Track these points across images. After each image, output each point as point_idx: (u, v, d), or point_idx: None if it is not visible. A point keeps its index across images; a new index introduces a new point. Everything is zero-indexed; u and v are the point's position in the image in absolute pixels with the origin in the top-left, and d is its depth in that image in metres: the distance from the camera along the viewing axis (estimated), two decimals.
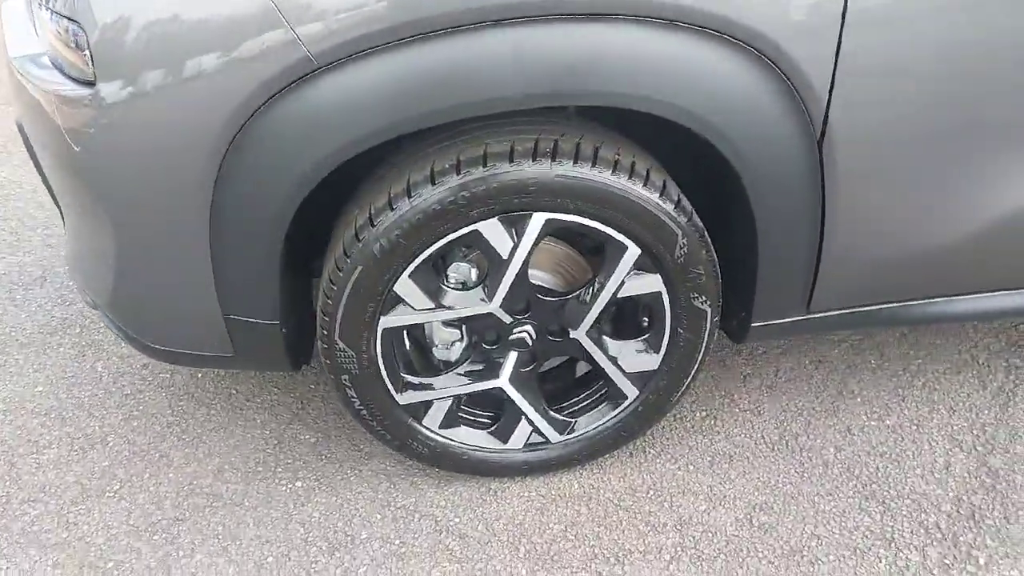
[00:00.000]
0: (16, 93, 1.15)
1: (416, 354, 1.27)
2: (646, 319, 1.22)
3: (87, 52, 0.94)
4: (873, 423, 1.41)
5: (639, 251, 1.09)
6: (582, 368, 1.33)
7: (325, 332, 1.12)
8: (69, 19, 0.95)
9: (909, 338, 1.60)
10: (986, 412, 1.41)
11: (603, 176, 1.01)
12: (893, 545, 1.18)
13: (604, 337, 1.21)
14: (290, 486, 1.35)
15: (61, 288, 1.86)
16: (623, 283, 1.12)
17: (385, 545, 1.24)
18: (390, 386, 1.19)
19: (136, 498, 1.34)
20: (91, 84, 0.95)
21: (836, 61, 0.92)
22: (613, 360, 1.22)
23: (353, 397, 1.19)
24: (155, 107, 0.95)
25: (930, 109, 1.00)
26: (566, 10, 0.88)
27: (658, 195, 1.04)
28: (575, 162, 1.00)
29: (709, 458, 1.36)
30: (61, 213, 1.27)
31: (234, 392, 1.54)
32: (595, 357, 1.21)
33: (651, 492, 1.30)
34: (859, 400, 1.46)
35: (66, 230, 1.27)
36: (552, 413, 1.27)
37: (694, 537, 1.21)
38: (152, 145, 0.97)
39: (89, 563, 1.23)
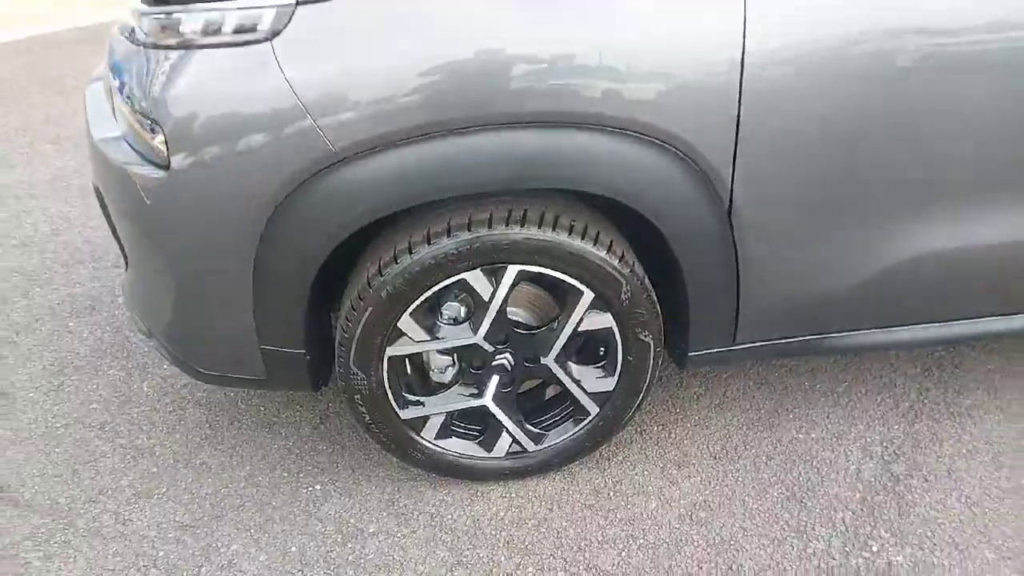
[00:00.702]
0: (96, 164, 1.43)
1: (416, 376, 1.54)
2: (603, 348, 1.49)
3: (163, 141, 1.22)
4: (801, 436, 1.67)
5: (592, 295, 1.36)
6: (552, 390, 1.59)
7: (342, 359, 1.39)
8: (149, 118, 1.24)
9: (839, 363, 1.87)
10: (896, 427, 1.67)
11: (561, 237, 1.29)
12: (804, 536, 1.44)
13: (569, 363, 1.48)
14: (310, 489, 1.61)
15: (109, 317, 2.14)
16: (581, 320, 1.40)
17: (389, 537, 1.50)
18: (394, 404, 1.46)
19: (181, 498, 1.60)
20: (165, 167, 1.23)
21: (735, 152, 1.20)
22: (577, 382, 1.49)
23: (364, 413, 1.46)
24: (214, 184, 1.22)
25: (813, 180, 1.27)
26: (536, 119, 1.17)
27: (605, 252, 1.31)
28: (539, 227, 1.28)
29: (661, 465, 1.62)
30: (125, 257, 1.55)
31: (262, 409, 1.81)
32: (562, 380, 1.48)
33: (611, 493, 1.56)
34: (791, 416, 1.72)
35: (128, 271, 1.55)
36: (528, 426, 1.54)
37: (643, 529, 1.47)
38: (210, 212, 1.25)
39: (143, 552, 1.49)
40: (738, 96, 1.18)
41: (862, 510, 1.48)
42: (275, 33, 1.15)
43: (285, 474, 1.65)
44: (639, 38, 1.15)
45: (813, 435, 1.67)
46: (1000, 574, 1.35)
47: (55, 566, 1.45)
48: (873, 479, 1.55)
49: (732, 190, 1.25)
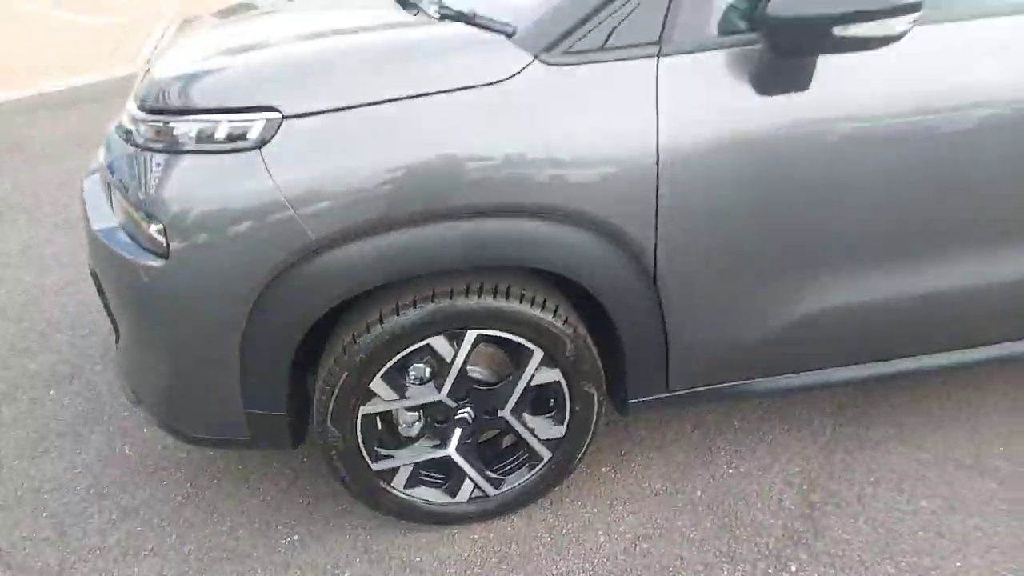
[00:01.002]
0: (95, 251, 1.59)
1: (386, 431, 1.70)
2: (552, 400, 1.68)
3: (163, 232, 1.39)
4: (731, 471, 1.88)
5: (542, 353, 1.56)
6: (508, 439, 1.77)
7: (320, 419, 1.55)
8: (148, 212, 1.41)
9: (764, 404, 2.10)
10: (814, 460, 1.90)
11: (513, 305, 1.49)
12: (734, 560, 1.63)
13: (524, 414, 1.67)
14: (288, 539, 1.75)
15: (88, 384, 2.25)
16: (533, 375, 1.59)
17: None
18: (367, 457, 1.62)
19: (167, 555, 1.71)
20: (164, 256, 1.40)
21: (656, 232, 1.43)
22: (531, 431, 1.67)
23: (339, 467, 1.61)
24: (208, 270, 1.39)
25: (724, 250, 1.50)
26: (489, 211, 1.38)
27: (552, 316, 1.52)
28: (494, 297, 1.48)
29: (609, 502, 1.80)
30: (117, 331, 1.69)
31: (241, 467, 1.94)
32: (518, 429, 1.67)
33: (564, 530, 1.73)
34: (722, 453, 1.93)
35: (120, 344, 1.69)
36: (488, 473, 1.71)
37: (592, 562, 1.65)
38: (204, 295, 1.42)
39: None
40: (655, 187, 1.41)
41: (784, 535, 1.69)
42: (263, 142, 1.35)
43: (264, 527, 1.78)
44: (571, 142, 1.38)
45: (742, 469, 1.88)
46: None
47: None
48: (793, 507, 1.76)
49: (656, 263, 1.47)
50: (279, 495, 1.86)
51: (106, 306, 1.68)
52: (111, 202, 1.60)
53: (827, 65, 1.39)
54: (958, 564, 1.61)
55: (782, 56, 1.36)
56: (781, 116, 1.41)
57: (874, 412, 2.06)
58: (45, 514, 1.82)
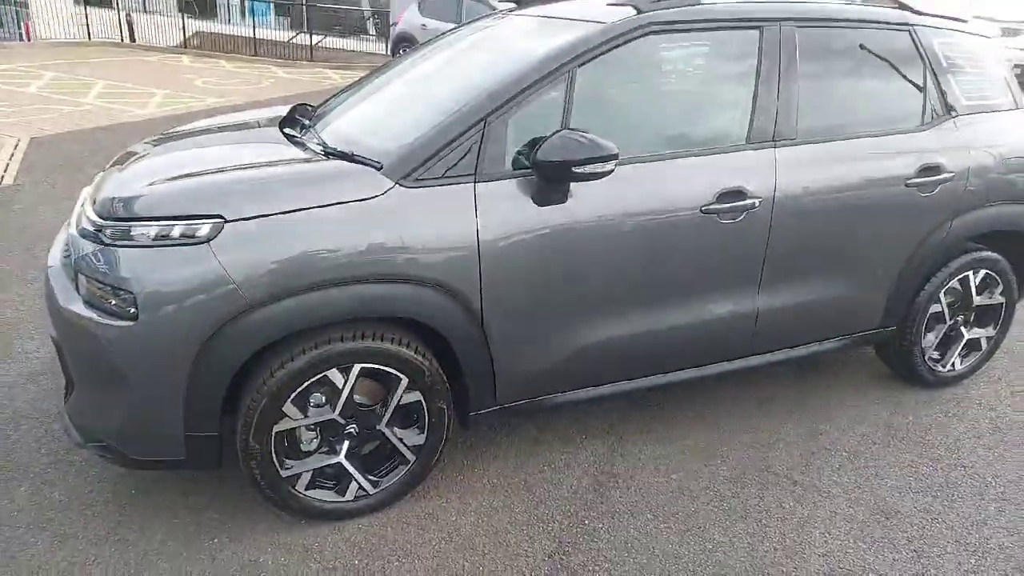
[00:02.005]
0: (60, 321, 2.09)
1: (291, 447, 2.27)
2: (415, 415, 2.35)
3: (132, 303, 1.95)
4: (536, 472, 2.62)
5: (407, 380, 2.24)
6: (382, 447, 2.40)
7: (244, 435, 2.12)
8: (120, 288, 1.97)
9: (566, 417, 2.88)
10: (601, 454, 2.69)
11: (386, 345, 2.18)
12: (529, 535, 2.35)
13: (395, 428, 2.32)
14: (211, 541, 2.23)
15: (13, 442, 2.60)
16: (401, 397, 2.26)
17: (276, 564, 2.16)
18: (278, 466, 2.19)
19: (108, 562, 2.14)
20: (133, 319, 1.96)
21: (481, 292, 2.20)
22: (400, 440, 2.33)
23: (257, 474, 2.17)
24: (167, 329, 1.96)
25: (527, 304, 2.30)
26: (368, 279, 2.08)
27: (413, 352, 2.22)
28: (373, 340, 2.16)
29: (459, 492, 2.47)
30: (70, 387, 2.17)
31: (162, 496, 2.40)
32: (391, 439, 2.32)
33: (427, 513, 2.37)
34: (532, 459, 2.68)
35: (74, 395, 2.17)
36: (369, 476, 2.33)
37: (449, 532, 2.29)
38: (162, 347, 1.98)
39: None
40: (478, 263, 2.19)
41: (580, 497, 2.44)
42: (210, 238, 1.98)
43: (189, 536, 2.25)
44: (423, 235, 2.13)
45: (545, 473, 2.63)
46: (659, 536, 2.35)
47: None
48: (579, 503, 2.52)
49: (482, 313, 2.23)
50: (199, 512, 2.35)
51: (64, 366, 2.17)
52: (76, 285, 2.12)
53: (576, 188, 2.27)
54: (692, 509, 2.43)
55: (547, 182, 2.22)
56: (550, 218, 2.27)
57: (637, 418, 2.91)
58: None
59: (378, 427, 2.29)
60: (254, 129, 2.94)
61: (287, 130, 2.72)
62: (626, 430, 2.86)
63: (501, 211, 2.22)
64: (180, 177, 2.19)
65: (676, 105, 2.64)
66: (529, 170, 2.23)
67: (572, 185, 2.27)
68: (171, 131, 3.03)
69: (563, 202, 2.27)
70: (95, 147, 7.09)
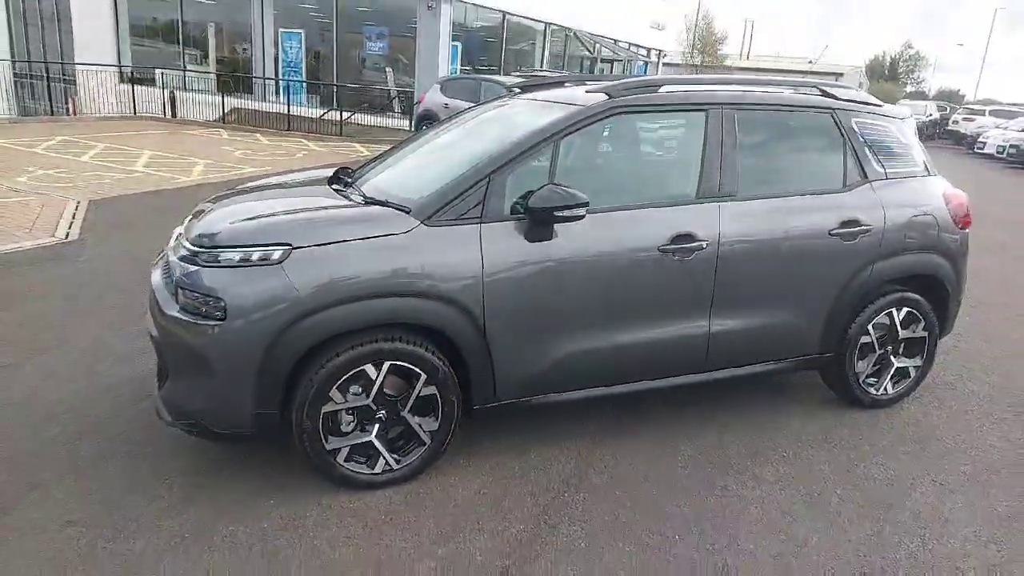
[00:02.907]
0: (162, 321, 2.76)
1: (334, 426, 2.88)
2: (431, 406, 2.96)
3: (224, 308, 2.62)
4: (535, 456, 3.20)
5: (425, 376, 2.87)
6: (406, 432, 3.01)
7: (298, 416, 2.74)
8: (211, 296, 2.65)
9: (554, 420, 3.47)
10: (583, 451, 3.26)
11: (411, 348, 2.82)
12: (502, 515, 2.92)
13: (415, 415, 2.94)
14: (266, 502, 2.82)
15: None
16: (420, 390, 2.89)
17: (319, 517, 2.74)
18: (324, 441, 2.80)
19: (192, 516, 2.73)
20: (222, 320, 2.63)
21: (483, 307, 2.85)
22: (419, 425, 2.94)
23: (307, 447, 2.78)
24: (248, 327, 2.63)
25: (517, 321, 2.94)
26: (400, 294, 2.74)
27: (431, 353, 2.86)
28: (401, 343, 2.81)
29: (464, 472, 3.05)
30: (163, 378, 2.82)
31: (232, 466, 3.00)
32: (412, 424, 2.93)
33: (438, 487, 2.95)
34: (531, 452, 3.26)
35: (169, 383, 2.81)
36: (394, 454, 2.93)
37: (455, 499, 2.87)
38: (243, 341, 2.64)
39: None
40: (482, 285, 2.86)
41: (559, 486, 3.01)
42: (280, 260, 2.67)
43: (251, 495, 2.84)
44: (440, 263, 2.81)
45: (536, 460, 3.21)
46: (623, 507, 2.92)
47: None
48: (561, 483, 3.10)
49: (484, 324, 2.88)
50: (259, 481, 2.94)
51: (160, 359, 2.83)
52: (176, 297, 2.79)
53: (561, 228, 2.96)
54: (653, 490, 3.00)
55: (536, 224, 2.91)
56: (539, 252, 2.94)
57: (615, 418, 3.50)
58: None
59: (402, 413, 2.91)
60: (302, 187, 3.68)
61: (334, 186, 3.46)
62: (605, 428, 3.45)
63: (500, 246, 2.90)
64: (254, 218, 2.90)
65: (640, 168, 3.37)
66: (523, 215, 2.92)
67: (557, 226, 2.95)
68: (227, 191, 3.77)
69: (550, 239, 2.95)
70: (145, 208, 7.98)
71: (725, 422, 3.63)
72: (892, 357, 3.85)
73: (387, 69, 18.97)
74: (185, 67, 20.74)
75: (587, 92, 3.35)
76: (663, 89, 3.32)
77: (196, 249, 2.80)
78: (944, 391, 4.19)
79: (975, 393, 4.21)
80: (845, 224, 3.50)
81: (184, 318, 2.71)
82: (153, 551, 2.54)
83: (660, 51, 31.39)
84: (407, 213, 2.88)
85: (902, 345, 3.86)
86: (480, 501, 2.89)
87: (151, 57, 21.19)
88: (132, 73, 20.02)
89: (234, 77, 19.86)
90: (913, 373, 3.92)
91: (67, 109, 19.39)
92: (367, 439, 2.89)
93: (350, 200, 3.17)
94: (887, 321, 3.77)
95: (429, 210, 2.87)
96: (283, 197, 3.41)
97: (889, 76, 67.11)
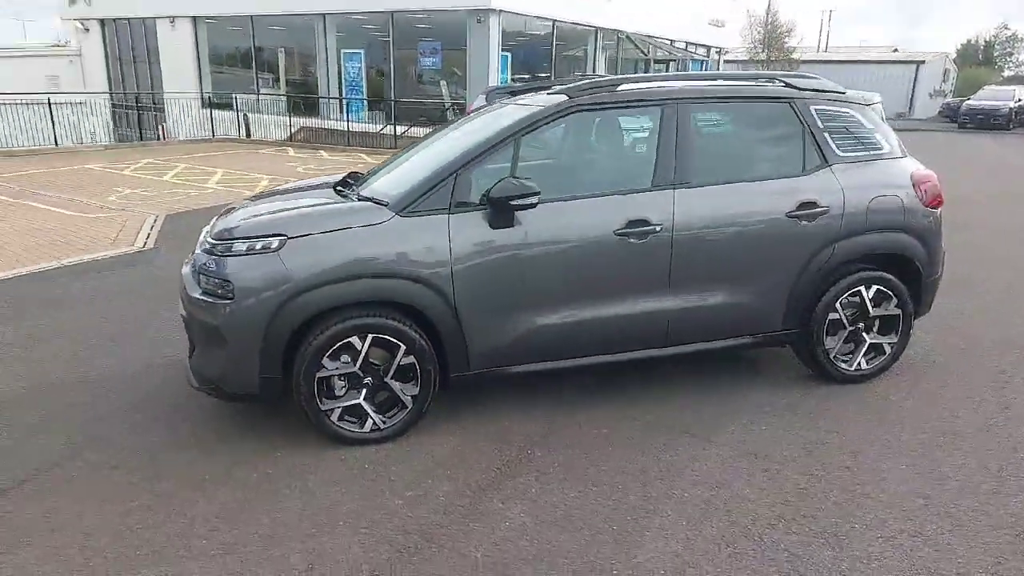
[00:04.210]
0: (190, 302, 3.33)
1: (327, 389, 3.36)
2: (411, 373, 3.41)
3: (232, 290, 3.16)
4: (503, 423, 3.59)
5: (405, 347, 3.32)
6: (387, 394, 3.46)
7: (297, 378, 3.24)
8: (225, 280, 3.19)
9: (506, 402, 3.84)
10: (528, 439, 3.63)
11: (391, 321, 3.28)
12: (507, 459, 3.32)
13: (397, 381, 3.39)
14: (275, 454, 3.33)
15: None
16: (400, 360, 3.34)
17: (318, 466, 3.23)
18: (319, 402, 3.29)
19: (213, 462, 3.27)
20: (232, 299, 3.16)
21: (453, 288, 3.28)
22: (401, 391, 3.39)
23: (305, 408, 3.28)
24: (254, 305, 3.16)
25: (484, 298, 3.35)
26: (379, 275, 3.21)
27: (410, 328, 3.31)
28: (383, 317, 3.27)
29: (435, 434, 3.48)
30: (192, 349, 3.39)
31: (248, 427, 3.54)
32: (395, 389, 3.38)
33: (415, 447, 3.39)
34: (506, 422, 3.65)
35: (196, 352, 3.38)
36: (380, 415, 3.39)
37: (433, 456, 3.30)
38: (251, 316, 3.16)
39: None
40: (451, 267, 3.29)
41: (519, 453, 3.40)
42: (278, 248, 3.18)
43: (263, 449, 3.36)
44: (413, 249, 3.26)
45: (505, 423, 3.60)
46: (580, 463, 3.27)
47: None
48: (528, 443, 3.48)
49: (455, 302, 3.31)
50: (268, 439, 3.46)
51: (189, 334, 3.40)
52: (198, 281, 3.36)
53: (523, 216, 3.35)
54: (610, 449, 3.34)
55: (498, 212, 3.32)
56: (503, 238, 3.35)
57: (580, 387, 3.84)
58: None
59: (386, 380, 3.37)
60: (311, 190, 4.21)
61: (338, 188, 3.97)
62: (578, 397, 3.81)
63: (467, 233, 3.32)
64: (261, 215, 3.44)
65: (599, 160, 3.72)
66: (485, 203, 3.34)
67: (519, 214, 3.35)
68: (261, 192, 4.34)
69: (511, 225, 3.35)
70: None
71: (694, 392, 3.91)
72: (864, 334, 4.02)
73: (441, 82, 19.77)
74: (258, 90, 22.20)
75: (549, 94, 3.74)
76: (621, 88, 3.66)
77: (215, 242, 3.35)
78: (925, 368, 4.30)
79: (955, 370, 4.31)
80: (803, 206, 3.73)
81: (205, 299, 3.26)
82: (179, 489, 3.08)
83: (720, 48, 31.09)
84: (386, 207, 3.35)
85: (876, 322, 4.03)
86: (452, 455, 3.31)
87: (228, 83, 22.82)
88: (211, 99, 21.66)
89: (301, 98, 21.14)
90: (888, 350, 4.08)
91: (158, 135, 21.18)
92: (356, 402, 3.36)
93: (345, 199, 3.67)
94: (857, 299, 3.95)
95: (404, 203, 3.33)
96: (292, 199, 3.95)
97: (984, 60, 63.43)
